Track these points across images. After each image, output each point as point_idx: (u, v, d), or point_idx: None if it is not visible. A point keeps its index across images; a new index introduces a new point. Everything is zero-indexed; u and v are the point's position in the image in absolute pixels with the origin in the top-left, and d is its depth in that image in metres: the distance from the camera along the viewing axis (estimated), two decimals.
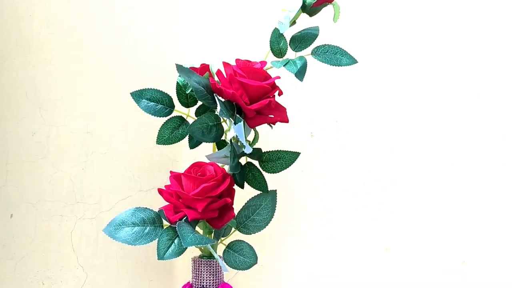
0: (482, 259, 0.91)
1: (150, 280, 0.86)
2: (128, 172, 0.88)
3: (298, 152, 0.71)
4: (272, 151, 0.71)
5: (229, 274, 0.87)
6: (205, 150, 0.73)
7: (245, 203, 0.74)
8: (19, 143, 0.86)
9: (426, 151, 0.91)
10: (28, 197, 0.86)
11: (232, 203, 0.71)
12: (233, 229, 0.75)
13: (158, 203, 0.72)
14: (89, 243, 0.86)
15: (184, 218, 0.68)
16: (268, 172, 0.71)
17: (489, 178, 0.92)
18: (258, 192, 0.73)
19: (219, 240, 0.75)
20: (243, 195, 0.73)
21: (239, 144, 0.69)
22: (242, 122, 0.64)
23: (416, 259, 0.91)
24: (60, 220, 0.86)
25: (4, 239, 0.85)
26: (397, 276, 0.90)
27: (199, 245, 0.71)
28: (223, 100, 0.67)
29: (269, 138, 0.77)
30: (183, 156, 0.89)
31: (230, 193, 0.71)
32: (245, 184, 0.73)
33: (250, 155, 0.72)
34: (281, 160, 0.71)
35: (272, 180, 0.73)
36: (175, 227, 0.68)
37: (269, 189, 0.73)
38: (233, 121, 0.65)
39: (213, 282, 0.74)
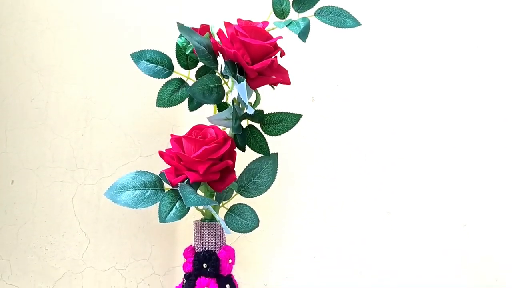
0: (483, 222, 0.91)
1: (152, 245, 0.86)
2: (128, 138, 0.87)
3: (300, 114, 0.70)
4: (274, 113, 0.70)
5: (231, 239, 0.88)
6: (206, 113, 0.72)
7: (246, 166, 0.74)
8: (18, 109, 0.86)
9: (428, 115, 0.91)
10: (28, 163, 0.85)
11: (233, 165, 0.71)
12: (234, 192, 0.75)
13: (159, 168, 0.71)
14: (90, 208, 0.86)
15: (186, 180, 0.68)
16: (270, 135, 0.71)
17: (490, 141, 0.91)
18: (259, 155, 0.73)
19: (221, 204, 0.75)
20: (244, 159, 0.73)
21: (240, 106, 0.69)
22: (244, 81, 0.63)
23: (417, 222, 0.91)
24: (61, 186, 0.86)
25: (6, 205, 0.85)
26: (398, 240, 0.91)
27: (201, 206, 0.71)
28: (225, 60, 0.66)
29: (270, 103, 0.76)
30: (183, 121, 0.88)
31: (231, 156, 0.70)
32: (247, 148, 0.72)
33: (251, 118, 0.71)
34: (283, 122, 0.70)
35: (273, 145, 0.72)
36: (177, 190, 0.68)
37: (270, 152, 0.73)
38: (235, 81, 0.64)
39: (215, 245, 0.74)
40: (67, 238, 0.85)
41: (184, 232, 0.87)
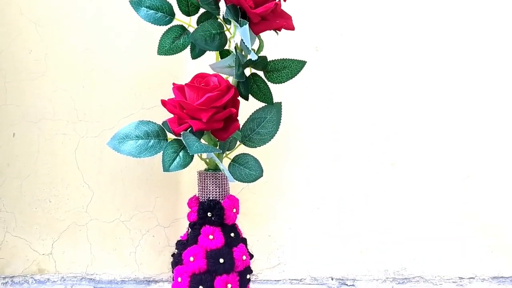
0: (487, 173, 0.91)
1: (156, 197, 0.87)
2: (129, 90, 0.86)
3: (304, 61, 0.69)
4: (278, 59, 0.69)
5: (235, 190, 0.88)
6: (208, 68, 0.70)
7: (250, 116, 0.73)
8: (16, 61, 0.84)
9: (433, 66, 0.89)
10: (29, 116, 0.85)
11: (237, 114, 0.70)
12: (238, 143, 0.74)
13: (161, 120, 0.71)
14: (93, 161, 0.85)
15: (189, 129, 0.67)
16: (274, 83, 0.70)
17: (494, 92, 0.90)
18: (263, 105, 0.72)
19: (224, 154, 0.75)
20: (247, 108, 0.72)
21: (243, 53, 0.67)
22: (247, 25, 0.61)
23: (421, 174, 0.91)
24: (63, 138, 0.85)
25: (8, 158, 0.84)
26: (402, 191, 0.91)
27: (204, 154, 0.71)
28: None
29: (273, 52, 0.75)
30: (185, 73, 0.86)
31: (235, 104, 0.69)
32: (250, 97, 0.71)
33: (254, 65, 0.69)
34: (287, 69, 0.69)
35: (276, 95, 0.71)
36: (180, 139, 0.67)
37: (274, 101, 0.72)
38: (238, 26, 0.62)
39: (219, 194, 0.74)
40: (70, 190, 0.85)
41: (187, 184, 0.87)
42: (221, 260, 0.72)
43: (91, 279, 0.86)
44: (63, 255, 0.85)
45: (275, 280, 0.90)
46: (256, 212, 0.89)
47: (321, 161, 0.89)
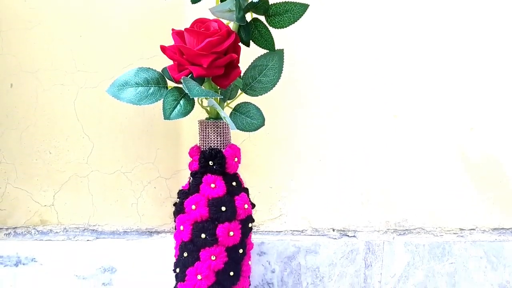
0: (490, 126, 0.90)
1: (157, 149, 0.86)
2: (128, 39, 0.84)
3: (306, 4, 0.67)
4: (279, 3, 0.67)
5: (236, 142, 0.87)
6: (208, 6, 0.68)
7: (251, 63, 0.71)
8: (11, 9, 0.82)
9: (435, 17, 0.87)
10: (26, 66, 0.83)
11: (238, 60, 0.68)
12: (239, 91, 0.73)
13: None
14: (93, 112, 0.84)
15: (189, 75, 0.66)
16: (275, 27, 0.68)
17: (497, 44, 0.88)
18: (265, 51, 0.70)
19: (226, 103, 0.74)
20: (249, 55, 0.71)
21: None
22: None
23: (424, 126, 0.90)
24: (62, 89, 0.84)
25: (6, 109, 0.83)
26: (404, 143, 0.90)
27: (205, 99, 0.70)
28: None
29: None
30: (184, 21, 0.84)
31: (236, 50, 0.68)
32: (251, 44, 0.70)
33: (255, 9, 0.67)
34: (289, 13, 0.67)
35: (278, 41, 0.70)
36: (180, 87, 0.66)
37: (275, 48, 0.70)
38: None
39: (220, 143, 0.74)
40: (70, 142, 0.85)
41: (188, 135, 0.86)
42: (223, 208, 0.72)
43: (94, 230, 0.86)
44: (65, 206, 0.85)
45: (276, 231, 0.90)
46: (258, 163, 0.88)
47: (324, 113, 0.88)
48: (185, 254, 0.74)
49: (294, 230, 0.90)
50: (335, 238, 0.90)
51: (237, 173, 0.77)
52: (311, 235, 0.91)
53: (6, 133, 0.84)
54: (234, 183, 0.75)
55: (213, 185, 0.73)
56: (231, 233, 0.72)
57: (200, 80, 0.67)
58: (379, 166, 0.91)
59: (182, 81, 0.64)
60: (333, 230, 0.91)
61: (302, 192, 0.90)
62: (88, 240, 0.85)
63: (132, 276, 0.84)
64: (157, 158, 0.86)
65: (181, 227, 0.74)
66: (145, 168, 0.86)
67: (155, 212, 0.87)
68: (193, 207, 0.73)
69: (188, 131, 0.86)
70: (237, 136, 0.76)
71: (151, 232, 0.87)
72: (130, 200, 0.86)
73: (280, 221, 0.90)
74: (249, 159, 0.87)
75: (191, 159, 0.75)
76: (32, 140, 0.84)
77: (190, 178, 0.76)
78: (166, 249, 0.84)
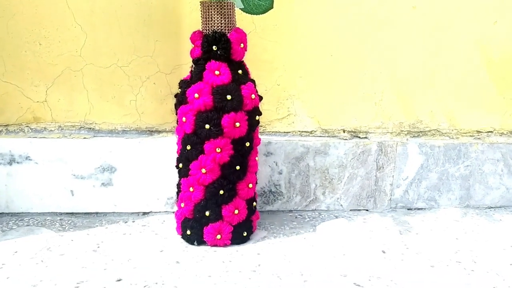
0: None
1: (156, 41, 0.79)
2: None
3: None
4: None
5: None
6: None
7: None
8: None
9: None
10: None
11: None
12: None
13: None
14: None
15: None
16: None
17: None
18: None
19: None
20: None
21: None
22: None
23: (443, 18, 0.83)
24: None
25: None
26: (422, 36, 0.83)
27: None
28: None
29: None
30: None
31: None
32: None
33: None
34: None
35: None
36: None
37: None
38: None
39: (225, 26, 0.67)
40: (61, 32, 0.78)
41: (189, 26, 0.79)
42: (229, 97, 0.67)
43: (90, 128, 0.81)
44: (58, 102, 0.80)
45: (284, 132, 0.85)
46: (265, 59, 0.82)
47: (337, 3, 0.81)
48: (188, 147, 0.69)
49: (302, 131, 0.85)
50: (346, 139, 0.86)
51: (243, 61, 0.71)
52: (320, 136, 0.86)
53: None
54: (240, 71, 0.69)
55: (218, 72, 0.67)
56: (237, 124, 0.67)
57: None
58: (394, 62, 0.84)
59: None
60: (344, 131, 0.86)
61: (312, 91, 0.84)
62: (85, 138, 0.80)
63: (133, 176, 0.80)
64: (155, 51, 0.80)
65: (184, 119, 0.69)
66: (144, 62, 0.80)
67: (155, 110, 0.82)
68: (196, 95, 0.67)
69: (189, 21, 0.79)
70: (242, 27, 0.69)
71: (152, 131, 0.83)
72: (128, 96, 0.81)
73: (288, 121, 0.85)
74: (255, 53, 0.81)
75: (193, 44, 0.69)
76: (20, 29, 0.77)
77: (192, 66, 0.70)
78: (168, 148, 0.80)
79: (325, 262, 0.68)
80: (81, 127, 0.81)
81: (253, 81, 0.71)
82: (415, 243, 0.75)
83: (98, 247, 0.71)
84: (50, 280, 0.62)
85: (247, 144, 0.70)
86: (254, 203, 0.74)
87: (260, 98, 0.72)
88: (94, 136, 0.81)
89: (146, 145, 0.80)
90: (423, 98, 0.86)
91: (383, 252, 0.72)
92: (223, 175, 0.69)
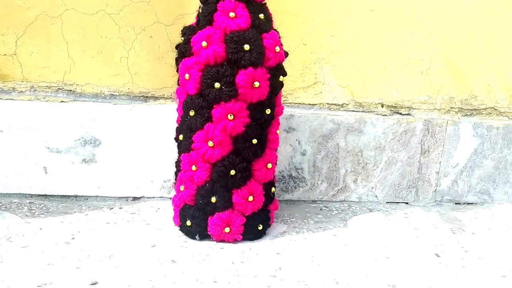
0: None
1: None
2: None
3: None
4: None
5: None
6: None
7: None
8: None
9: None
10: None
11: None
12: None
13: None
14: None
15: None
16: None
17: None
18: None
19: None
20: None
21: None
22: None
23: None
24: None
25: None
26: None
27: None
28: None
29: None
30: None
31: None
32: None
33: None
34: None
35: None
36: None
37: None
38: None
39: None
40: None
41: None
42: (247, 47, 0.51)
43: (70, 90, 0.66)
44: (31, 57, 0.65)
45: (309, 104, 0.70)
46: (289, 11, 0.67)
47: None
48: (192, 113, 0.54)
49: (331, 104, 0.70)
50: (385, 115, 0.70)
51: (265, 3, 0.55)
52: (353, 110, 0.71)
53: None
54: (261, 16, 0.54)
55: (233, 14, 0.52)
56: (256, 84, 0.52)
57: None
58: (446, 21, 0.69)
59: None
60: (382, 106, 0.71)
61: (345, 54, 0.69)
62: (62, 102, 0.65)
63: (121, 151, 0.66)
64: None
65: (186, 75, 0.54)
66: (138, 9, 0.65)
67: (152, 71, 0.67)
68: (204, 44, 0.52)
69: None
70: None
71: (147, 96, 0.67)
72: (118, 52, 0.66)
73: (315, 90, 0.70)
74: (277, 4, 0.65)
75: None
76: None
77: (200, 7, 0.55)
78: (166, 117, 0.65)
79: (364, 267, 0.53)
80: (59, 88, 0.66)
81: (277, 32, 0.56)
82: (474, 246, 0.60)
83: (73, 238, 0.57)
84: (2, 281, 0.46)
85: (268, 111, 0.54)
86: (273, 189, 0.59)
87: (286, 54, 0.56)
88: (75, 100, 0.66)
89: (138, 114, 0.65)
90: (480, 69, 0.72)
91: (437, 255, 0.57)
92: (236, 150, 0.54)
